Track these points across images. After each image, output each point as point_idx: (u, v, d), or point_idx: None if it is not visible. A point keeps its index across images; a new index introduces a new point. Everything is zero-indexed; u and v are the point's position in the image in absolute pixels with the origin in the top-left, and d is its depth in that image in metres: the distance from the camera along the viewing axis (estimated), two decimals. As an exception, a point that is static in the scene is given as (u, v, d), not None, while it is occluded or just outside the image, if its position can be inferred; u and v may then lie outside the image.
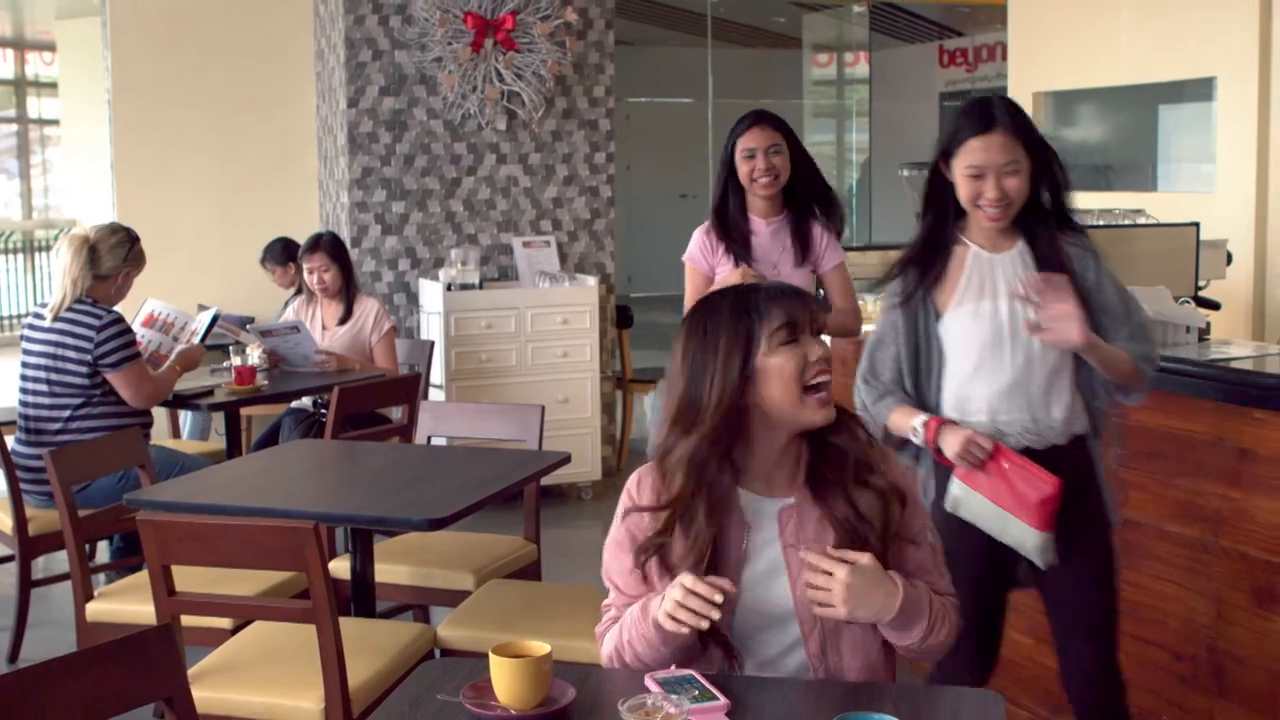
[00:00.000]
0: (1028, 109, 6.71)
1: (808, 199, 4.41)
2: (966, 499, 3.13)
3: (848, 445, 2.47)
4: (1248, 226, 5.58)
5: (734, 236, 4.34)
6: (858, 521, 2.42)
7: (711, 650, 2.41)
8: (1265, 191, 5.66)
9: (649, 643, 2.36)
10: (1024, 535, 3.09)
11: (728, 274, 4.17)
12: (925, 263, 3.21)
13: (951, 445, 3.08)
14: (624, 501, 2.52)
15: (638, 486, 2.51)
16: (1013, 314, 3.09)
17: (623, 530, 2.50)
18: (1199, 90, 6.26)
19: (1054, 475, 3.04)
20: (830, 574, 2.32)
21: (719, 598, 2.25)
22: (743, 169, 4.34)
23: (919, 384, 3.19)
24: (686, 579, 2.28)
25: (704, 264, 4.39)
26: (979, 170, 3.05)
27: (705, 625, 2.28)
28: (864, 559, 2.34)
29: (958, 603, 2.53)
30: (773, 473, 2.49)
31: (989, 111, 3.09)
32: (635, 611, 2.40)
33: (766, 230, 4.39)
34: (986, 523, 3.13)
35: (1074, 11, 6.72)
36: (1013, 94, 7.09)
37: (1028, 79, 6.96)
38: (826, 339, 2.52)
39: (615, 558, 2.51)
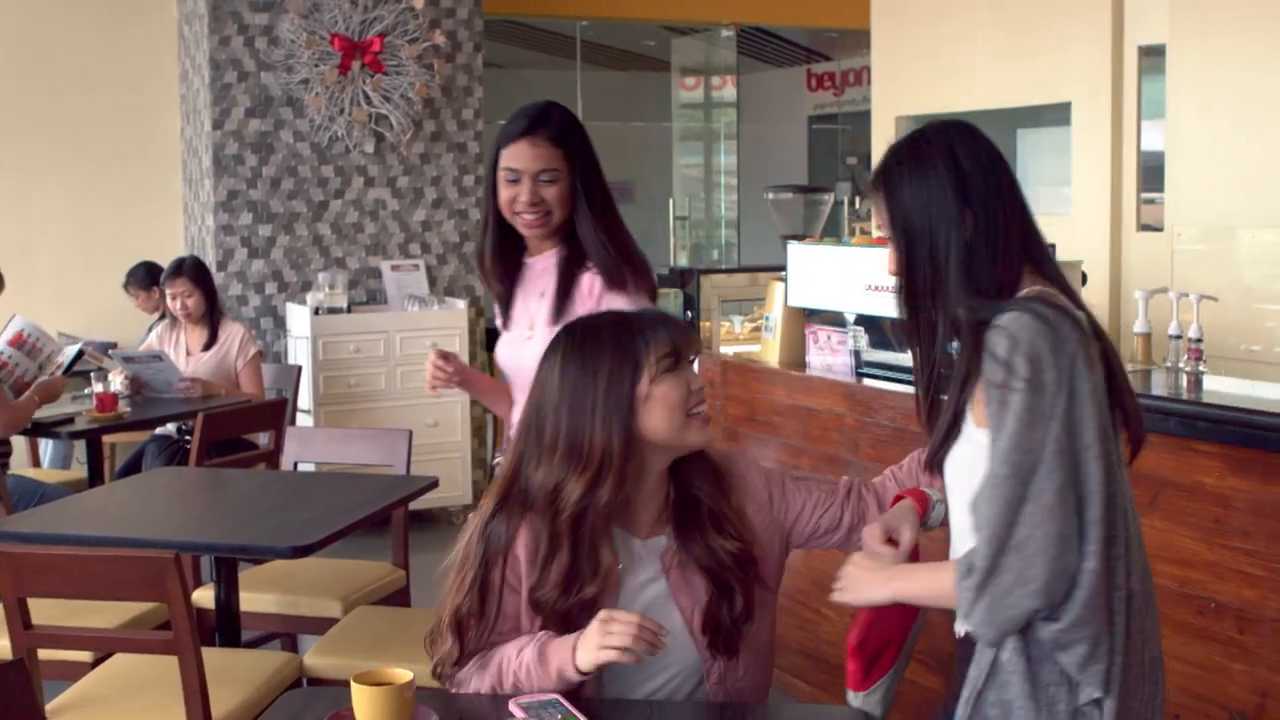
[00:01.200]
0: (891, 133, 6.84)
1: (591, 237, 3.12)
2: None
3: (704, 494, 2.47)
4: (1102, 247, 5.72)
5: (496, 274, 3.23)
6: (722, 568, 2.44)
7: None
8: (1120, 212, 5.81)
9: (541, 688, 2.30)
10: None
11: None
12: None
13: None
14: (494, 547, 2.40)
15: (518, 537, 2.39)
16: None
17: (496, 575, 2.39)
18: (1056, 115, 6.41)
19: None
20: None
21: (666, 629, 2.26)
22: (502, 194, 3.08)
23: None
24: (619, 614, 2.24)
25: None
26: None
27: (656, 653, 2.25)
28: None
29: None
30: (641, 510, 2.46)
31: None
32: (528, 658, 2.30)
33: (534, 269, 3.22)
34: None
35: (934, 38, 6.86)
36: (876, 119, 7.21)
37: (891, 103, 7.09)
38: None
39: (482, 599, 2.40)
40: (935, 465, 2.29)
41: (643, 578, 2.45)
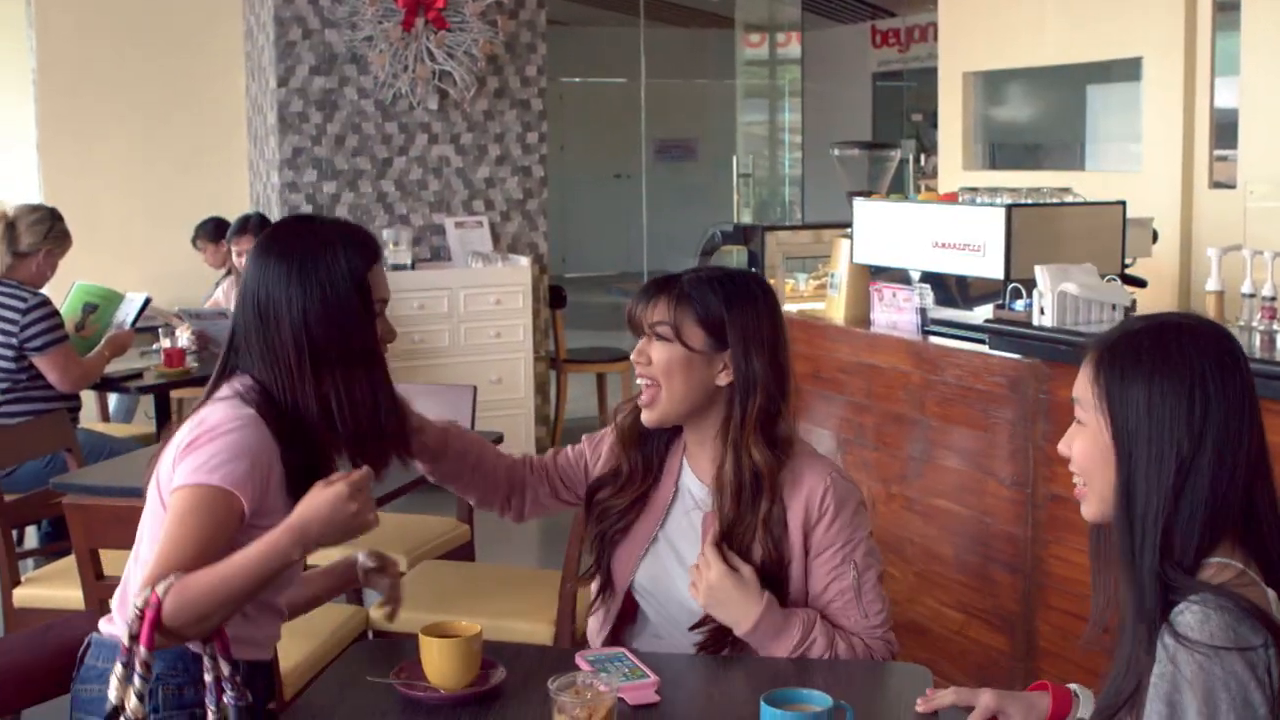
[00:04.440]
0: (957, 90, 6.75)
1: None
2: None
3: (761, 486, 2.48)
4: (1173, 205, 5.63)
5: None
6: (751, 538, 2.47)
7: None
8: (1190, 170, 5.72)
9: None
10: None
11: None
12: None
13: None
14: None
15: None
16: None
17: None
18: (1126, 70, 6.31)
19: None
20: (706, 567, 2.41)
21: None
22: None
23: None
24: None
25: None
26: None
27: None
28: (745, 570, 2.41)
29: (879, 634, 2.50)
30: (700, 456, 2.57)
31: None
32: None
33: None
34: None
35: (1003, -8, 6.76)
36: (942, 75, 7.12)
37: (957, 59, 6.99)
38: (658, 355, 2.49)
39: None
40: None
41: (687, 519, 2.56)
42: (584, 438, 2.75)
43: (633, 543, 2.58)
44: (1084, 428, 1.92)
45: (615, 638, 2.58)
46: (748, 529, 2.46)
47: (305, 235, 2.40)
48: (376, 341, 2.40)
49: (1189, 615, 1.76)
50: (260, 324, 2.34)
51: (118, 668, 2.06)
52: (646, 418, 2.50)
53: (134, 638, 2.06)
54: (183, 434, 2.29)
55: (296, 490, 2.24)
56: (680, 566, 2.54)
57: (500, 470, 2.71)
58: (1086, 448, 1.91)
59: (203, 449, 2.23)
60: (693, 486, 2.56)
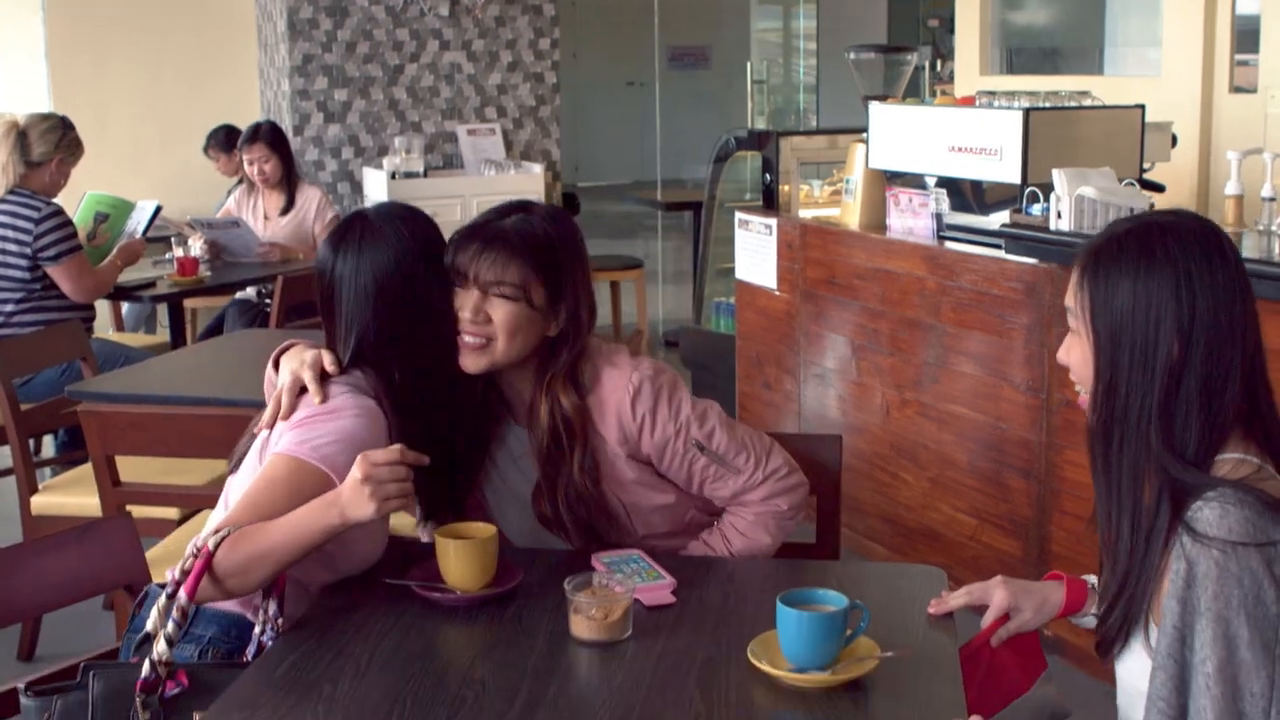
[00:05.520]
0: (975, -8, 6.65)
1: None
2: None
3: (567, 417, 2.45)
4: (1193, 110, 5.58)
5: None
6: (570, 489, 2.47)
7: None
8: (1211, 74, 5.66)
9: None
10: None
11: None
12: None
13: None
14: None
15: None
16: None
17: None
18: (1146, -27, 6.23)
19: None
20: None
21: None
22: None
23: None
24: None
25: None
26: None
27: None
28: None
29: (771, 482, 2.51)
30: (515, 401, 2.52)
31: None
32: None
33: None
34: None
35: (1022, -107, 6.66)
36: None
37: (975, -38, 6.90)
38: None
39: None
40: (1104, 654, 1.95)
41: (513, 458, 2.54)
42: None
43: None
44: (1078, 336, 1.90)
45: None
46: (566, 481, 2.45)
47: (428, 227, 2.42)
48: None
49: (1207, 511, 1.74)
50: (398, 323, 2.36)
51: (161, 599, 2.07)
52: (472, 363, 2.38)
53: (179, 583, 2.07)
54: (300, 407, 2.30)
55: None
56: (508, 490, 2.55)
57: None
58: (1083, 355, 1.89)
59: (316, 426, 2.24)
60: (515, 430, 2.55)
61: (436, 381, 2.38)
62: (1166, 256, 1.81)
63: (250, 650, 2.18)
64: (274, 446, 2.28)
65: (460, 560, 2.19)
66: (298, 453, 2.22)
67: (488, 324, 2.36)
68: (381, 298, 2.33)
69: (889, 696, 1.90)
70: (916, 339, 4.36)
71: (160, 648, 2.04)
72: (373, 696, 1.91)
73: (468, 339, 2.36)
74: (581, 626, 2.05)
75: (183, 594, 2.06)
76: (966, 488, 4.20)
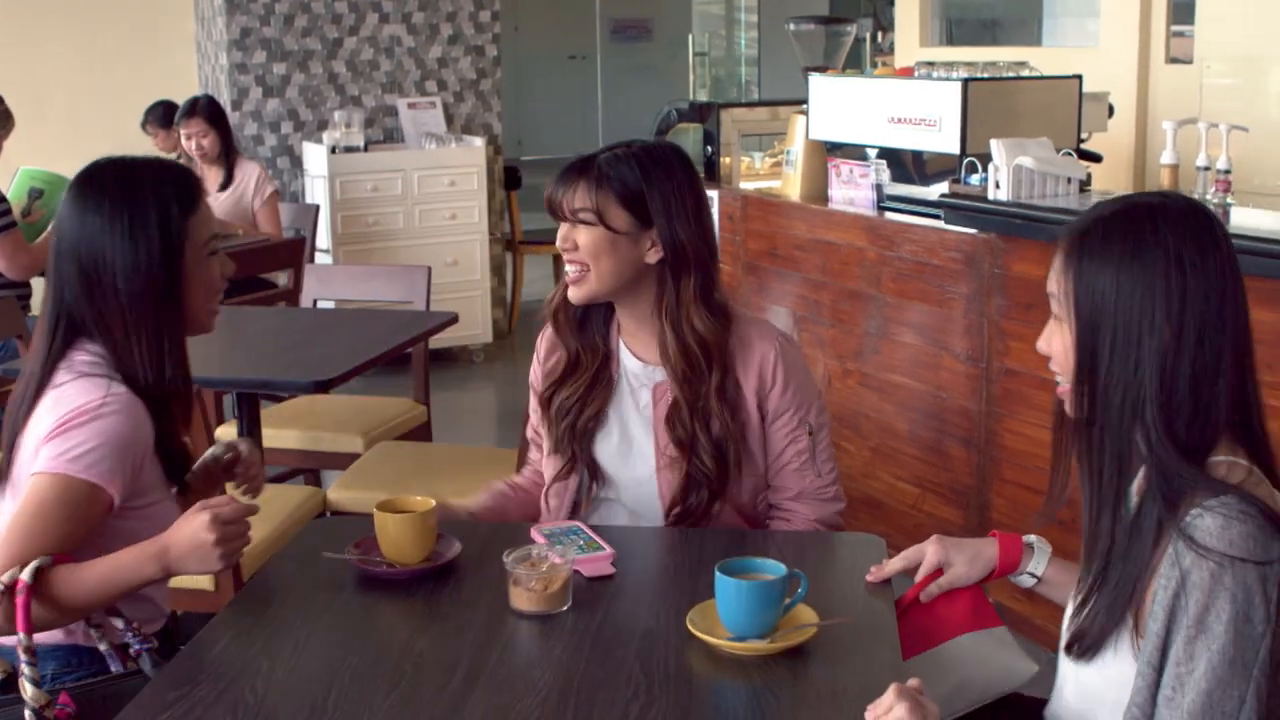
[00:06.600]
0: (914, -37, 6.66)
1: None
2: None
3: (710, 352, 2.48)
4: (1129, 80, 5.61)
5: None
6: (708, 409, 2.48)
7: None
8: (1148, 44, 5.69)
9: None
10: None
11: None
12: None
13: None
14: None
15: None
16: None
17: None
18: (1084, -56, 6.26)
19: None
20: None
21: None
22: None
23: None
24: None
25: None
26: None
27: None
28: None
29: (831, 493, 2.58)
30: (639, 332, 2.56)
31: None
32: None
33: None
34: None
35: None
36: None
37: (915, -67, 6.91)
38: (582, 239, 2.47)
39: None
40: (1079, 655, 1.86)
41: (632, 398, 2.56)
42: (530, 391, 2.71)
43: (591, 424, 2.58)
44: (1060, 323, 1.81)
45: (574, 515, 2.59)
46: (703, 402, 2.46)
47: (126, 183, 2.25)
48: (183, 295, 2.26)
49: (1209, 520, 1.67)
50: (89, 283, 2.25)
51: (24, 669, 1.99)
52: (574, 294, 2.48)
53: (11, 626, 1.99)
54: (44, 413, 2.15)
55: (166, 462, 2.21)
56: (628, 445, 2.55)
57: (535, 495, 2.71)
58: (1065, 344, 1.81)
59: (70, 434, 2.10)
60: (632, 365, 2.57)
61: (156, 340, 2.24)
62: (1156, 239, 1.73)
63: (114, 665, 2.14)
64: (35, 463, 2.12)
65: (399, 534, 2.19)
66: (61, 469, 2.08)
67: (575, 250, 2.45)
68: (136, 289, 2.22)
69: (827, 664, 1.91)
70: (857, 310, 4.38)
71: (30, 692, 1.98)
72: (311, 671, 1.90)
73: (568, 269, 2.48)
74: (521, 598, 2.05)
75: (21, 635, 1.98)
76: (908, 457, 4.23)
